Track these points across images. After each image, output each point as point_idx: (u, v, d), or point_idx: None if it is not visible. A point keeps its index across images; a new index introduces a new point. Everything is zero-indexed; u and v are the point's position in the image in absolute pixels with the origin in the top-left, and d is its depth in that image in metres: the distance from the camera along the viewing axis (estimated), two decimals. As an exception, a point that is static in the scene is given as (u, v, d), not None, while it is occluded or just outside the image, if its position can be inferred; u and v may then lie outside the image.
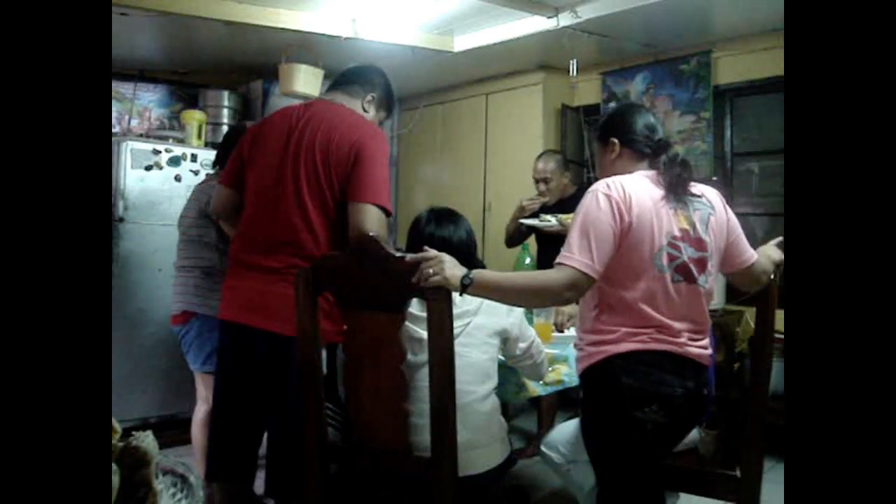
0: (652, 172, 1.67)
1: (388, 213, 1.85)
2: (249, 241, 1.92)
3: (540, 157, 3.49)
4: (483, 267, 1.68)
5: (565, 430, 2.02)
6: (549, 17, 3.58)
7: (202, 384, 2.60)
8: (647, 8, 3.30)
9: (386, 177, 1.87)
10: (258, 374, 1.90)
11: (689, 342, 1.62)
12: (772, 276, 1.79)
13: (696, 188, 1.70)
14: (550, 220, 3.11)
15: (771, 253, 1.82)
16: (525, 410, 3.92)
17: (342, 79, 2.08)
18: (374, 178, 1.82)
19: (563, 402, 3.38)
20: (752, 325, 1.88)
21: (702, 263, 1.63)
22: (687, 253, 1.61)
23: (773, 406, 1.78)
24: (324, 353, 1.74)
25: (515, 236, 3.43)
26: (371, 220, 1.79)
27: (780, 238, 1.87)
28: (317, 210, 1.84)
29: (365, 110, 2.05)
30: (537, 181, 3.42)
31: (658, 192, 1.63)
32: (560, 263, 1.54)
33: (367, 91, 2.05)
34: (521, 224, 3.31)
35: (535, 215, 3.30)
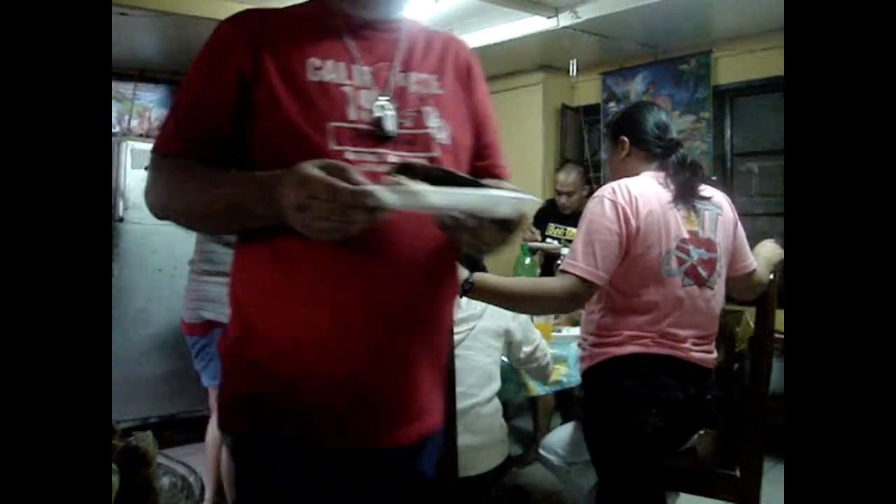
0: (660, 174, 1.65)
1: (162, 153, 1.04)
2: None
3: (561, 169, 3.46)
4: (484, 269, 1.67)
5: (563, 432, 2.02)
6: (549, 17, 3.58)
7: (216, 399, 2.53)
8: (647, 8, 3.30)
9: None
10: None
11: (693, 347, 1.60)
12: (772, 276, 1.78)
13: (706, 191, 1.69)
14: (553, 243, 3.26)
15: (769, 254, 1.81)
16: (525, 410, 3.91)
17: None
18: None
19: (559, 402, 3.37)
20: (752, 325, 1.87)
21: (711, 264, 1.62)
22: (696, 255, 1.59)
23: (773, 406, 1.78)
24: None
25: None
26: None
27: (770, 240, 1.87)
28: None
29: None
30: (559, 193, 3.42)
31: (666, 195, 1.61)
32: (563, 271, 1.53)
33: None
34: (526, 245, 3.30)
35: (542, 229, 3.34)
